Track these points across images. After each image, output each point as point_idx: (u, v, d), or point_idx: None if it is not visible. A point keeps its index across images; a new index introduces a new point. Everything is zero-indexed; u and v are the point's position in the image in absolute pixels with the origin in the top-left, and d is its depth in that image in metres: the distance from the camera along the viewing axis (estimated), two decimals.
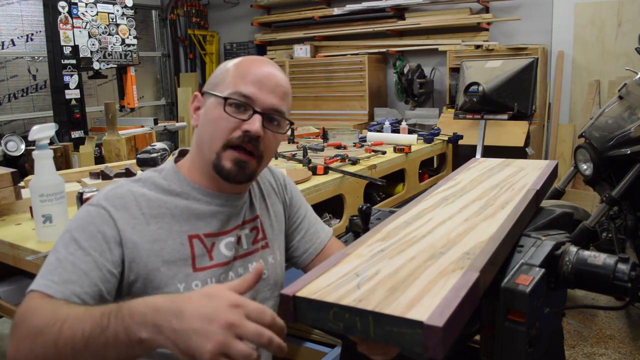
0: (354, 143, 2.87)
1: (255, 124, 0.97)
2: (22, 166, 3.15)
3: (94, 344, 0.73)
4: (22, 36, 5.02)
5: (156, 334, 0.70)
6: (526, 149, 3.78)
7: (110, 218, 0.93)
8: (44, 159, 1.37)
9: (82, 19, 4.06)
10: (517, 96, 3.15)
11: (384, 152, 2.60)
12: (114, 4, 4.31)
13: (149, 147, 2.02)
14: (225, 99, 0.97)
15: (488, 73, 3.23)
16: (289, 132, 3.08)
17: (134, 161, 2.03)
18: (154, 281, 0.94)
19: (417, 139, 2.93)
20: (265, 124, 0.99)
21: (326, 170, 2.15)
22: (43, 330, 0.76)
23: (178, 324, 0.69)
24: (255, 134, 0.97)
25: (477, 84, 3.14)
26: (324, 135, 3.10)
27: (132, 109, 4.81)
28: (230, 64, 1.02)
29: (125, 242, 0.93)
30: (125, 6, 4.40)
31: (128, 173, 1.88)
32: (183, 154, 1.10)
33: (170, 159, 1.11)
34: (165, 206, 0.99)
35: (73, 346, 0.74)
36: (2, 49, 4.88)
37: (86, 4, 4.08)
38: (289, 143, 3.01)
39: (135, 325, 0.72)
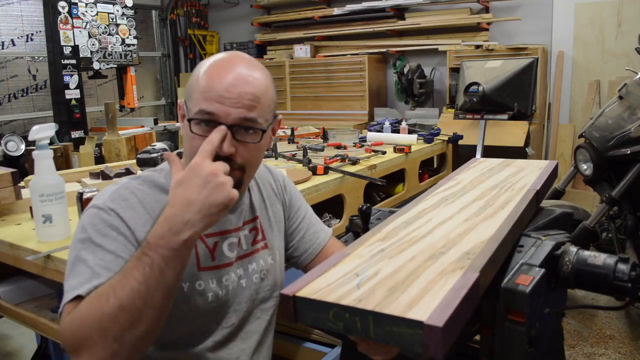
0: (354, 143, 2.87)
1: (224, 144, 0.92)
2: (22, 166, 3.14)
3: (152, 279, 0.80)
4: (22, 36, 5.02)
5: (191, 228, 0.82)
6: (526, 149, 3.78)
7: (121, 220, 0.92)
8: (44, 159, 1.37)
9: (82, 19, 4.06)
10: (517, 96, 3.15)
11: (384, 152, 2.60)
12: (114, 4, 4.31)
13: (149, 147, 2.02)
14: (189, 120, 0.94)
15: (488, 73, 3.23)
16: (288, 132, 3.10)
17: (134, 161, 2.03)
18: None
19: (417, 139, 2.93)
20: (239, 136, 0.94)
21: (326, 170, 2.15)
22: (104, 310, 0.78)
23: (195, 207, 0.82)
24: (224, 154, 0.93)
25: (477, 84, 3.14)
26: (324, 135, 3.10)
27: (132, 109, 4.83)
28: (200, 72, 0.96)
29: (140, 240, 0.92)
30: (125, 6, 4.40)
31: (128, 173, 1.88)
32: (181, 156, 1.10)
33: None
34: None
35: (138, 295, 0.79)
36: (2, 49, 4.88)
37: (86, 4, 4.08)
38: (289, 143, 3.01)
39: (172, 238, 0.81)
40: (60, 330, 0.83)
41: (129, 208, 0.94)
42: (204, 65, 0.98)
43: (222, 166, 0.86)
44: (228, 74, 0.94)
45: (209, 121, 0.93)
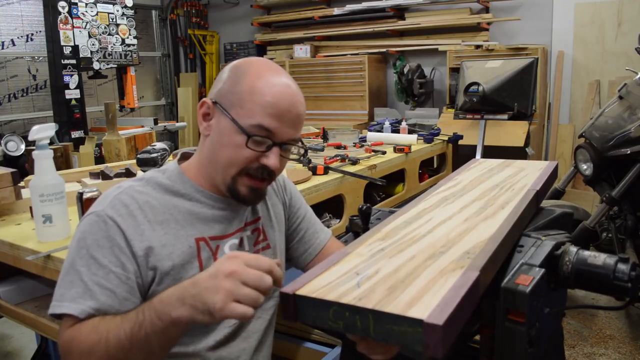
0: (354, 143, 2.87)
1: (274, 159, 0.97)
2: (22, 166, 3.13)
3: (137, 339, 0.81)
4: (22, 36, 5.02)
5: (181, 307, 0.79)
6: (526, 149, 3.78)
7: (119, 230, 0.92)
8: (44, 159, 1.37)
9: (82, 19, 4.06)
10: (517, 96, 3.15)
11: (384, 152, 2.60)
12: (114, 4, 4.31)
13: (149, 147, 2.01)
14: (249, 135, 0.94)
15: (488, 73, 3.23)
16: None
17: (134, 161, 2.03)
18: (163, 284, 0.95)
19: (417, 139, 2.93)
20: (281, 152, 0.99)
21: (326, 170, 2.15)
22: (93, 349, 0.83)
23: (194, 289, 0.79)
24: (273, 169, 0.98)
25: (477, 84, 3.14)
26: (324, 135, 3.10)
27: (132, 109, 4.83)
28: (247, 82, 0.96)
29: (136, 252, 0.93)
30: (125, 6, 4.40)
31: (128, 173, 1.88)
32: (186, 157, 1.10)
33: (172, 160, 1.11)
34: (169, 211, 0.99)
35: (122, 348, 0.82)
36: (2, 49, 4.88)
37: (86, 4, 4.08)
38: None
39: (165, 307, 0.81)
40: (59, 342, 0.89)
41: (129, 216, 0.94)
42: (249, 75, 0.97)
43: (248, 277, 0.76)
44: (283, 87, 0.97)
45: (262, 137, 0.96)
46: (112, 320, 0.85)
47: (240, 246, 1.07)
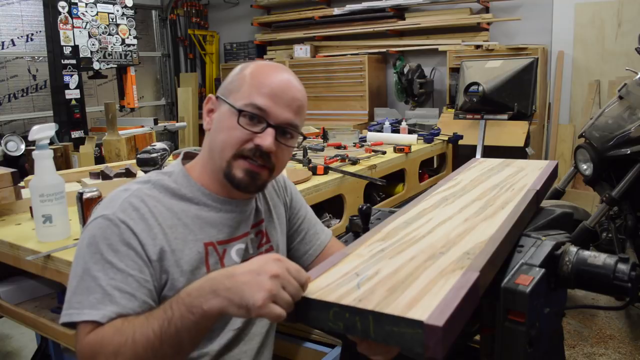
0: (354, 143, 2.87)
1: (267, 139, 0.96)
2: (22, 166, 3.14)
3: (167, 336, 0.80)
4: (22, 36, 5.02)
5: (214, 299, 0.78)
6: (526, 149, 3.78)
7: (133, 234, 0.91)
8: (44, 159, 1.37)
9: (82, 19, 4.06)
10: (517, 96, 3.15)
11: (384, 152, 2.60)
12: (114, 4, 4.31)
13: (149, 147, 2.01)
14: (240, 111, 0.95)
15: (488, 73, 3.23)
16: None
17: (134, 161, 2.03)
18: (172, 289, 0.94)
19: (417, 139, 2.93)
20: (278, 137, 0.98)
21: (326, 170, 2.15)
22: (120, 350, 0.81)
23: (230, 282, 0.78)
24: (266, 149, 0.96)
25: (477, 84, 3.14)
26: (324, 135, 3.10)
27: (132, 109, 4.82)
28: (247, 70, 1.00)
29: (150, 256, 0.92)
30: (125, 6, 4.40)
31: (128, 173, 1.88)
32: (189, 156, 1.09)
33: (174, 160, 1.11)
34: (177, 216, 0.98)
35: (151, 347, 0.81)
36: (2, 49, 4.88)
37: (86, 4, 4.08)
38: None
39: (195, 299, 0.79)
40: (78, 349, 0.85)
41: (141, 219, 0.93)
42: (250, 67, 1.01)
43: (289, 283, 0.76)
44: (279, 77, 0.99)
45: (255, 116, 0.96)
46: (137, 320, 0.83)
47: (246, 250, 1.07)
